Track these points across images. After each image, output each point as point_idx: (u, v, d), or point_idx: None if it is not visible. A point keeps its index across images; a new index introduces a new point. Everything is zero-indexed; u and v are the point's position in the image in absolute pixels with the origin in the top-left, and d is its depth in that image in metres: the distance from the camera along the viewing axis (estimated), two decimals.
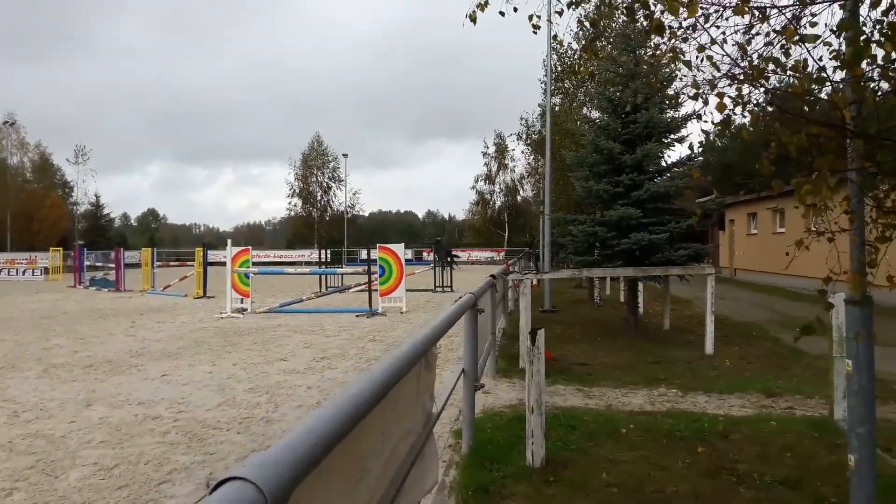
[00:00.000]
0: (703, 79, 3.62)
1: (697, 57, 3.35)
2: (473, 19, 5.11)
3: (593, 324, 13.13)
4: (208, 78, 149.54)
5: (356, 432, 1.61)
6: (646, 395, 7.07)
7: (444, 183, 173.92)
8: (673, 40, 3.60)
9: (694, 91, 3.44)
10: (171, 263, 36.37)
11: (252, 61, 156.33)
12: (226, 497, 0.98)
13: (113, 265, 27.75)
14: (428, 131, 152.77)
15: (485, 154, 64.14)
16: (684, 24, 3.48)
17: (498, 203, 64.97)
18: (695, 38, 3.30)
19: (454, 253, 45.71)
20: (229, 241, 16.57)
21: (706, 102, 3.47)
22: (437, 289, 22.13)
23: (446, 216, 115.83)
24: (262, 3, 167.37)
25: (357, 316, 14.66)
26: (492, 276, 7.89)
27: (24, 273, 33.82)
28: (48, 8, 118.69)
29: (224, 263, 16.83)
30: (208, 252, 22.09)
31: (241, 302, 16.05)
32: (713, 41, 3.22)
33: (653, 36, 4.09)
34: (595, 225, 11.12)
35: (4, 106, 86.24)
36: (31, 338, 11.94)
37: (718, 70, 3.39)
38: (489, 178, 64.42)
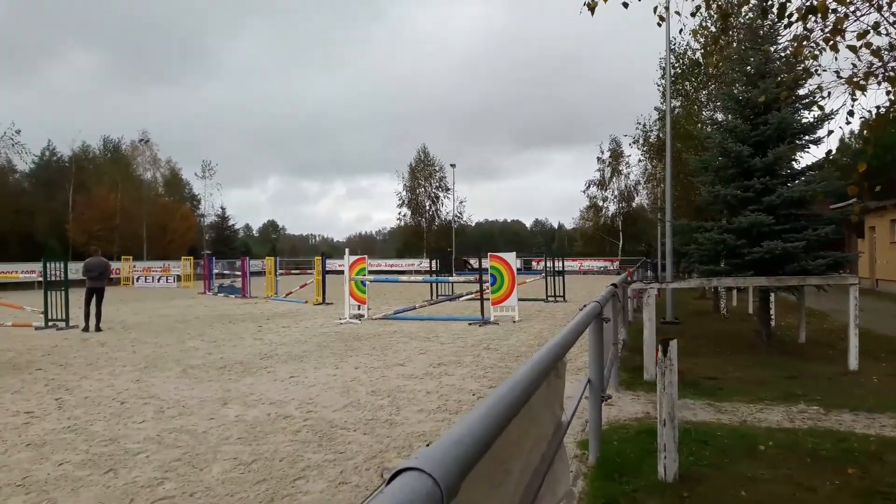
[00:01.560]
0: (855, 70, 3.36)
1: (856, 43, 3.10)
2: (592, 8, 5.00)
3: (720, 336, 12.48)
4: (320, 95, 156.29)
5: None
6: (784, 412, 6.61)
7: (552, 191, 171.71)
8: (820, 27, 3.36)
9: (847, 82, 3.19)
10: (292, 272, 38.12)
11: (360, 78, 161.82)
12: (404, 487, 1.00)
13: (239, 273, 29.48)
14: (534, 140, 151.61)
15: (599, 159, 62.67)
16: (839, 8, 3.24)
17: (611, 210, 63.28)
18: (858, 19, 3.05)
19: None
20: (346, 251, 17.15)
21: (859, 91, 3.21)
22: (549, 298, 21.86)
23: (555, 225, 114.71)
24: (369, 21, 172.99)
25: (470, 324, 14.73)
26: (613, 285, 7.68)
27: (158, 280, 36.43)
28: (177, 34, 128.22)
29: (340, 272, 17.45)
30: (326, 261, 22.99)
31: (359, 308, 16.54)
32: (876, 26, 2.97)
33: (793, 26, 3.83)
34: (723, 232, 10.57)
35: (139, 125, 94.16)
36: (168, 340, 12.84)
37: (881, 58, 3.13)
38: (602, 184, 62.87)
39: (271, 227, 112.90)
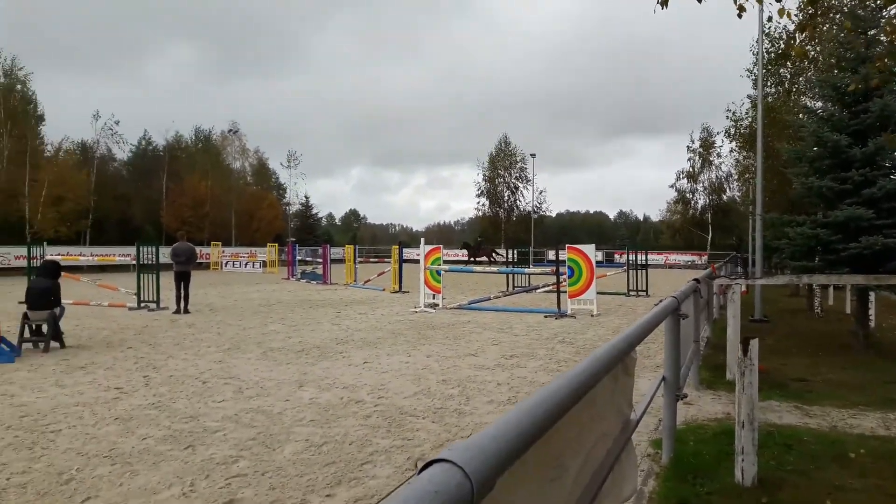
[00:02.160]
0: None
1: None
2: (664, 2, 4.78)
3: (813, 336, 11.80)
4: (404, 86, 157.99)
5: (554, 429, 1.58)
6: (880, 419, 6.17)
7: (638, 182, 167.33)
8: None
9: None
10: (371, 260, 38.82)
11: (443, 68, 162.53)
12: (434, 478, 1.00)
13: (320, 260, 30.29)
14: (620, 128, 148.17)
15: (689, 149, 60.32)
16: None
17: (700, 202, 60.91)
18: None
19: (495, 251, 44.26)
20: (422, 240, 17.27)
21: None
22: (631, 292, 21.31)
23: (639, 217, 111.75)
24: (453, 12, 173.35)
25: (545, 317, 14.55)
26: (695, 279, 7.37)
27: (245, 266, 37.93)
28: (269, 27, 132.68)
29: (417, 261, 17.60)
30: (403, 250, 23.25)
31: (433, 297, 16.64)
32: None
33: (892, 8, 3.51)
34: (816, 227, 9.96)
35: (229, 115, 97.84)
36: (252, 323, 13.32)
37: None
38: (692, 176, 60.53)
39: (353, 215, 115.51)
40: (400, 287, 21.53)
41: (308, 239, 54.01)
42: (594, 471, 2.30)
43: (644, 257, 22.81)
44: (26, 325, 10.10)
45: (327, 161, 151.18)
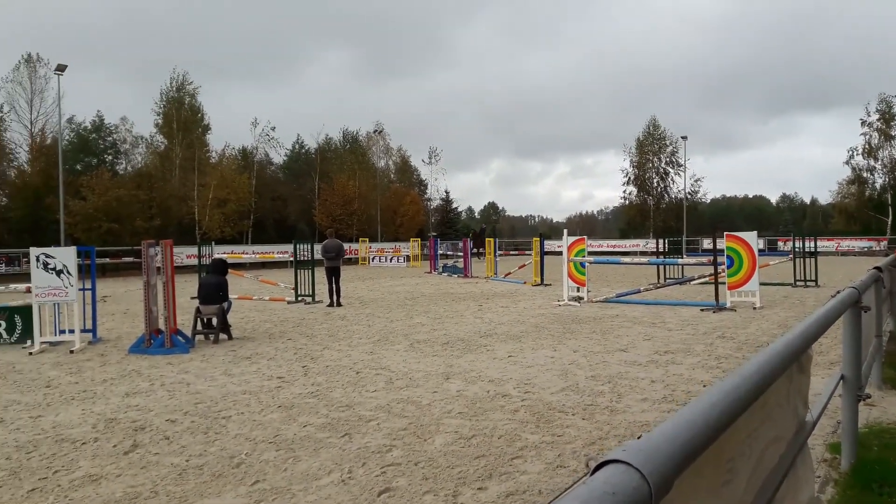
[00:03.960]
0: None
1: None
2: None
3: None
4: (547, 74, 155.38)
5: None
6: None
7: (804, 162, 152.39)
8: None
9: None
10: (511, 253, 38.79)
11: (587, 53, 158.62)
12: (610, 479, 0.97)
13: (461, 254, 30.69)
14: (783, 105, 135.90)
15: (863, 123, 54.16)
16: None
17: (879, 182, 54.57)
18: None
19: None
20: (565, 231, 16.95)
21: None
22: (798, 283, 19.65)
23: (806, 200, 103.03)
24: None
25: (702, 310, 13.76)
26: (877, 267, 6.62)
27: (390, 260, 39.35)
28: (416, 27, 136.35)
29: (559, 253, 17.30)
30: (544, 242, 22.98)
31: (578, 290, 16.29)
32: None
33: None
34: None
35: (374, 116, 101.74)
36: (398, 316, 13.74)
37: None
38: (869, 153, 54.49)
39: (492, 208, 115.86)
40: (542, 280, 21.32)
41: (449, 233, 55.03)
42: (766, 476, 2.14)
43: (812, 244, 20.93)
44: (198, 319, 11.06)
45: (467, 155, 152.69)
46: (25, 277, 14.93)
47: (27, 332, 10.68)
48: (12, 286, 11.72)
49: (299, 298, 16.95)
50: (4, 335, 10.89)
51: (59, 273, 10.45)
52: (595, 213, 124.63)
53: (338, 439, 5.34)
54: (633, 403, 6.31)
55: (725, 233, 14.99)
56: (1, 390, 7.49)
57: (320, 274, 16.83)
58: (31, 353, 9.92)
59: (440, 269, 29.90)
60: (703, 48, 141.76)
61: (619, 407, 6.18)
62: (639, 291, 16.47)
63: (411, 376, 7.70)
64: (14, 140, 40.35)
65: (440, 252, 33.19)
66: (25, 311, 10.82)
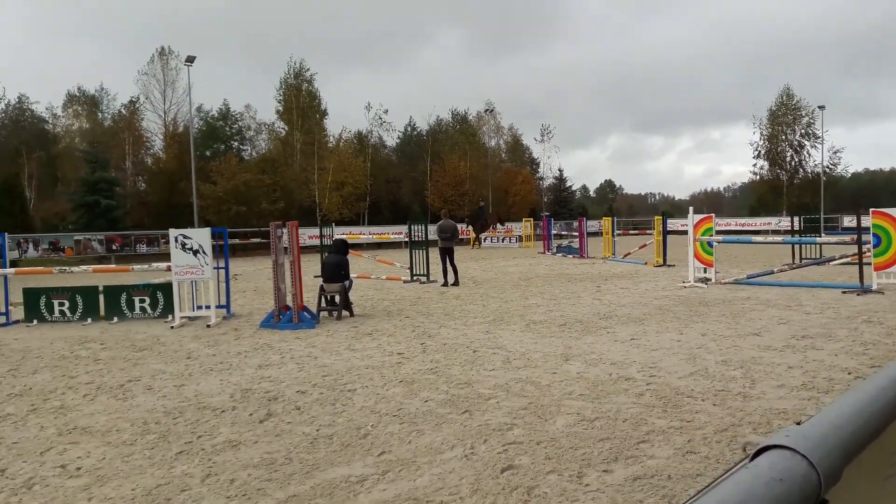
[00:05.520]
0: None
1: None
2: None
3: None
4: (670, 41, 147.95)
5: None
6: None
7: None
8: None
9: None
10: (630, 232, 37.62)
11: (710, 19, 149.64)
12: (775, 465, 0.93)
13: (576, 234, 30.08)
14: None
15: None
16: None
17: None
18: None
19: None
20: (691, 209, 16.15)
21: None
22: None
23: None
24: None
25: (844, 292, 12.71)
26: None
27: (502, 241, 39.20)
28: (524, 2, 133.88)
29: (683, 232, 16.52)
30: (667, 220, 22.06)
31: (705, 272, 15.52)
32: None
33: None
34: None
35: (484, 95, 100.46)
36: (513, 296, 13.66)
37: None
38: None
39: (608, 186, 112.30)
40: (664, 261, 20.48)
41: (562, 212, 54.06)
42: None
43: None
44: (322, 296, 11.55)
45: (582, 132, 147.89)
46: (164, 257, 16.20)
47: (168, 308, 11.58)
48: (154, 265, 12.70)
49: (414, 278, 17.29)
50: (149, 310, 11.87)
51: (195, 253, 11.19)
52: (721, 189, 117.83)
53: (458, 415, 5.39)
54: (768, 390, 5.92)
55: (872, 209, 13.74)
56: (148, 361, 8.16)
57: (434, 253, 17.08)
58: (172, 327, 10.74)
59: (554, 250, 29.49)
60: (846, 5, 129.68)
61: (752, 393, 5.82)
62: (772, 272, 15.47)
63: (529, 356, 7.64)
64: (150, 129, 44.06)
65: (553, 232, 32.70)
66: (166, 289, 11.74)
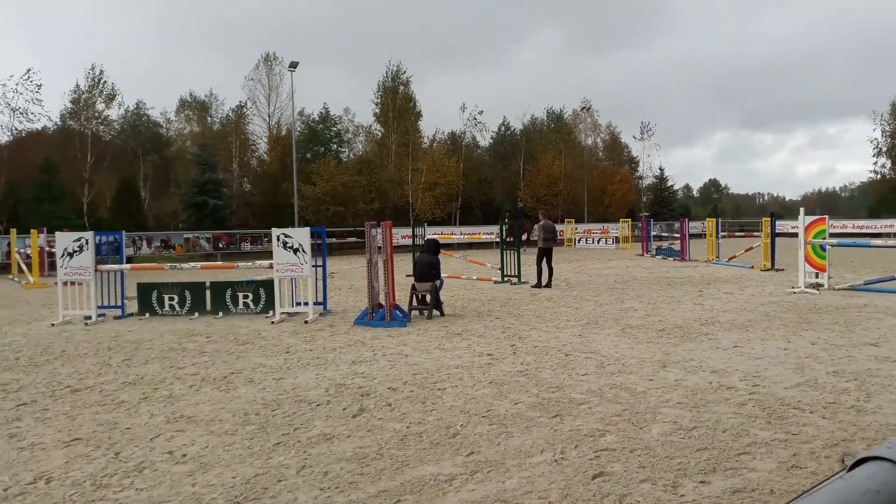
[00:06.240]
0: None
1: None
2: None
3: None
4: (783, 32, 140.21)
5: None
6: None
7: None
8: None
9: None
10: (736, 234, 35.92)
11: (824, 10, 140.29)
12: (872, 477, 0.91)
13: (677, 235, 28.98)
14: None
15: None
16: None
17: None
18: None
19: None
20: (801, 210, 15.24)
21: None
22: None
23: None
24: None
25: None
26: None
27: (598, 242, 38.35)
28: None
29: (793, 234, 15.56)
30: (775, 222, 20.90)
31: (816, 277, 14.59)
32: None
33: None
34: None
35: (581, 93, 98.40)
36: (608, 299, 13.32)
37: None
38: None
39: (713, 186, 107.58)
40: (772, 264, 19.42)
41: (663, 213, 52.30)
42: None
43: None
44: (413, 295, 11.70)
45: (685, 129, 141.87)
46: (266, 255, 16.89)
47: (269, 304, 12.08)
48: (257, 262, 13.26)
49: (505, 278, 17.22)
50: (251, 306, 12.43)
51: (295, 251, 11.62)
52: (837, 189, 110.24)
53: (549, 419, 5.31)
54: (885, 404, 5.49)
55: None
56: (250, 354, 8.54)
57: (524, 255, 16.88)
58: (272, 322, 11.19)
59: (653, 252, 28.55)
60: None
61: (867, 407, 5.42)
62: (893, 279, 14.35)
63: (624, 362, 7.43)
64: (255, 132, 46.27)
65: (653, 233, 31.68)
66: (268, 286, 12.24)
